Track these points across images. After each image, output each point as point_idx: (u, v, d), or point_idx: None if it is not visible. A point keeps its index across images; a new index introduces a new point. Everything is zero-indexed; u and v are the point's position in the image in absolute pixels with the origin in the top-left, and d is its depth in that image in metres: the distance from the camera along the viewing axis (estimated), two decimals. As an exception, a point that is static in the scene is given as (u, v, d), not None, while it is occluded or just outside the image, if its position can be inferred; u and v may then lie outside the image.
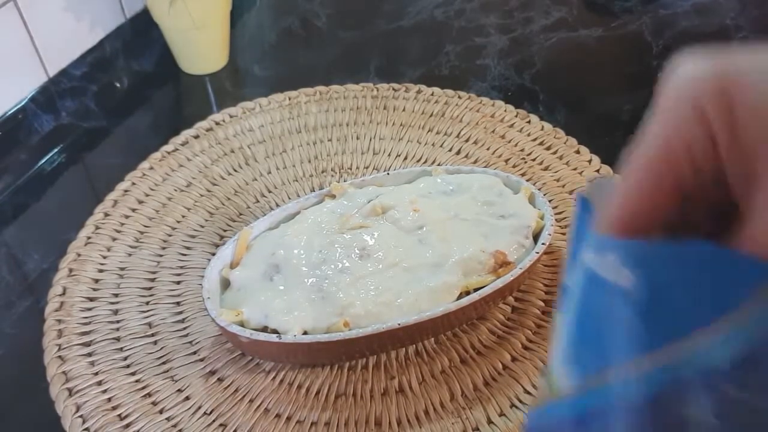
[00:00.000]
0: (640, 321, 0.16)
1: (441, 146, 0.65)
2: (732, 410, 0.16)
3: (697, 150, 0.19)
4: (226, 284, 0.49)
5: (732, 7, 0.85)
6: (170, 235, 0.57)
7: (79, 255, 0.55)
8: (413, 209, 0.50)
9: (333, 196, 0.54)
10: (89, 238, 0.57)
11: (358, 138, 0.66)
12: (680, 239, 0.18)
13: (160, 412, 0.46)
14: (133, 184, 0.62)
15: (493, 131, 0.66)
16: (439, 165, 0.61)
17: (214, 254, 0.53)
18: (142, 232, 0.58)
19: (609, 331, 0.17)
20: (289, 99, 0.70)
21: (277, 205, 0.59)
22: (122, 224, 0.58)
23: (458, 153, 0.64)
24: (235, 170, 0.63)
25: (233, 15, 0.78)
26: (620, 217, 0.21)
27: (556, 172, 0.61)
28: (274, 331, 0.45)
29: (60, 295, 0.53)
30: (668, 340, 0.16)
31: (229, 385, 0.47)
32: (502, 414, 0.45)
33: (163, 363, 0.49)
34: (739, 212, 0.18)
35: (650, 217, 0.21)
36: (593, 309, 0.18)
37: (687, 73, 0.19)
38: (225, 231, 0.58)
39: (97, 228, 0.58)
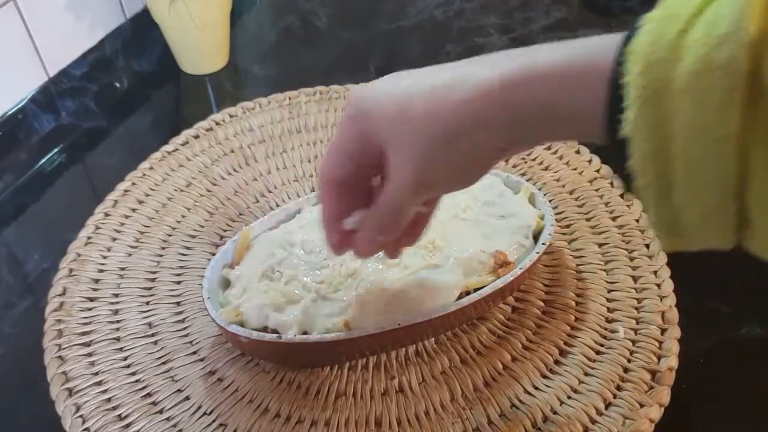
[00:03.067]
0: None
1: (441, 146, 0.65)
2: None
3: (353, 150, 0.35)
4: (226, 284, 0.49)
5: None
6: (170, 235, 0.57)
7: (79, 255, 0.55)
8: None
9: (333, 196, 0.54)
10: (89, 238, 0.57)
11: (358, 138, 0.66)
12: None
13: (160, 412, 0.46)
14: (133, 184, 0.62)
15: (493, 131, 0.66)
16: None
17: (214, 254, 0.53)
18: (142, 232, 0.58)
19: None
20: (289, 99, 0.70)
21: (277, 205, 0.59)
22: (122, 224, 0.58)
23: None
24: (235, 170, 0.63)
25: (233, 15, 0.78)
26: (333, 235, 0.39)
27: (556, 172, 0.61)
28: (274, 331, 0.45)
29: (60, 295, 0.53)
30: None
31: (229, 385, 0.47)
32: (502, 414, 0.45)
33: (163, 363, 0.49)
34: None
35: (342, 214, 0.37)
36: None
37: (347, 105, 0.35)
38: (225, 231, 0.58)
39: (97, 228, 0.58)
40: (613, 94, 0.27)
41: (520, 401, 0.46)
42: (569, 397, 0.45)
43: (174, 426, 0.45)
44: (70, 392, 0.46)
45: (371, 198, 0.37)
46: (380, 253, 0.48)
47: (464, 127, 0.31)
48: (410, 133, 0.32)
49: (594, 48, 0.28)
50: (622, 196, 0.58)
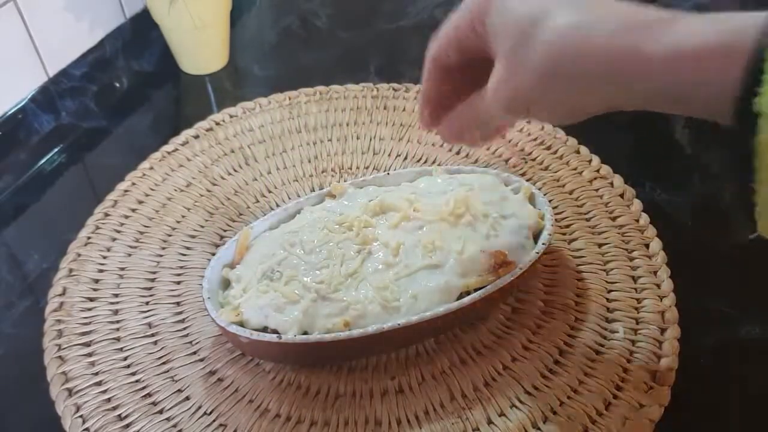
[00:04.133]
0: None
1: (441, 146, 0.65)
2: None
3: (462, 37, 0.35)
4: (226, 284, 0.49)
5: (732, 8, 0.84)
6: (170, 235, 0.57)
7: (79, 255, 0.55)
8: (413, 209, 0.50)
9: (333, 196, 0.54)
10: (89, 238, 0.57)
11: (358, 138, 0.66)
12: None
13: (160, 412, 0.46)
14: (133, 184, 0.62)
15: (493, 131, 0.66)
16: (439, 165, 0.61)
17: (214, 254, 0.53)
18: (142, 232, 0.58)
19: None
20: (289, 99, 0.70)
21: (277, 205, 0.60)
22: (122, 224, 0.58)
23: (458, 153, 0.64)
24: (235, 170, 0.63)
25: (233, 15, 0.78)
26: (426, 110, 0.38)
27: (556, 172, 0.61)
28: (274, 331, 0.45)
29: (60, 295, 0.53)
30: None
31: (229, 385, 0.47)
32: (502, 414, 0.45)
33: (163, 363, 0.49)
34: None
35: (439, 95, 0.38)
36: None
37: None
38: (225, 231, 0.58)
39: (97, 228, 0.58)
40: (751, 71, 0.27)
41: (520, 401, 0.45)
42: (569, 397, 0.45)
43: (174, 426, 0.45)
44: (70, 392, 0.47)
45: (472, 85, 0.37)
46: (379, 252, 0.48)
47: (598, 78, 0.30)
48: (534, 54, 0.31)
49: (736, 27, 0.28)
50: (622, 196, 0.58)
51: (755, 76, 0.27)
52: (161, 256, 0.56)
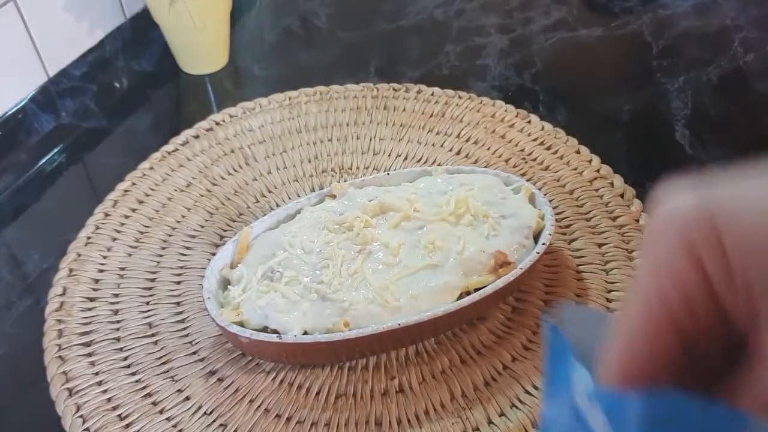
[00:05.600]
0: None
1: (441, 146, 0.65)
2: None
3: (691, 290, 0.18)
4: (226, 284, 0.49)
5: (732, 7, 0.85)
6: (170, 235, 0.57)
7: (79, 255, 0.55)
8: (413, 209, 0.50)
9: (333, 196, 0.54)
10: (89, 238, 0.57)
11: (358, 138, 0.66)
12: (687, 389, 0.17)
13: (160, 412, 0.46)
14: (133, 184, 0.62)
15: (493, 131, 0.66)
16: (439, 165, 0.61)
17: (214, 254, 0.53)
18: (142, 232, 0.58)
19: None
20: (289, 99, 0.70)
21: (277, 205, 0.59)
22: (122, 224, 0.58)
23: (458, 153, 0.64)
24: (235, 170, 0.63)
25: (233, 15, 0.78)
26: (620, 367, 0.20)
27: (556, 172, 0.61)
28: (274, 331, 0.45)
29: (60, 295, 0.53)
30: None
31: (229, 385, 0.47)
32: (502, 414, 0.45)
33: (164, 363, 0.49)
34: (750, 348, 0.17)
35: (652, 364, 0.20)
36: None
37: (673, 210, 0.18)
38: (225, 231, 0.58)
39: (97, 228, 0.58)
40: None
41: (520, 401, 0.46)
42: (569, 397, 0.45)
43: (174, 426, 0.45)
44: (70, 392, 0.47)
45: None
46: (379, 253, 0.48)
47: None
48: None
49: None
50: (622, 196, 0.58)
51: None
52: (161, 256, 0.56)
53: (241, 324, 0.45)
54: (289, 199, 0.61)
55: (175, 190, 0.61)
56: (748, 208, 0.17)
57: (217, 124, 0.68)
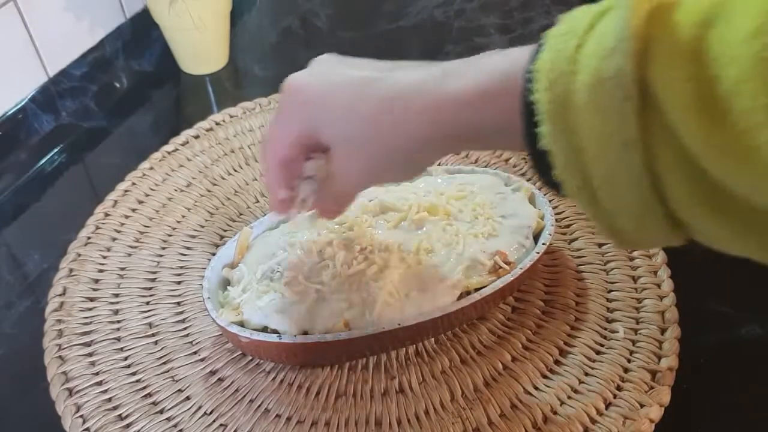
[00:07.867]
0: None
1: (441, 146, 0.64)
2: None
3: (301, 141, 0.38)
4: (226, 284, 0.49)
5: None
6: (170, 235, 0.57)
7: (79, 255, 0.55)
8: (414, 209, 0.50)
9: (333, 196, 0.54)
10: (89, 238, 0.57)
11: (358, 138, 0.66)
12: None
13: (161, 412, 0.46)
14: (133, 184, 0.62)
15: (493, 131, 0.66)
16: (439, 165, 0.61)
17: (214, 254, 0.53)
18: (142, 232, 0.58)
19: None
20: (289, 99, 0.70)
21: (277, 205, 0.59)
22: (122, 224, 0.58)
23: (458, 153, 0.64)
24: (235, 170, 0.63)
25: (233, 15, 0.78)
26: (275, 200, 0.41)
27: (556, 172, 0.61)
28: (274, 331, 0.45)
29: (60, 295, 0.53)
30: None
31: (229, 385, 0.47)
32: (502, 414, 0.45)
33: (164, 363, 0.49)
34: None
35: (287, 183, 0.40)
36: None
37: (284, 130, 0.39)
38: (225, 231, 0.58)
39: (97, 228, 0.58)
40: (527, 110, 0.28)
41: (520, 401, 0.45)
42: (569, 397, 0.45)
43: (174, 426, 0.45)
44: (70, 392, 0.47)
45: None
46: (379, 252, 0.48)
47: (416, 144, 0.34)
48: (359, 136, 0.35)
49: (508, 66, 0.30)
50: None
51: (529, 119, 0.27)
52: (161, 256, 0.56)
53: (241, 324, 0.45)
54: (289, 199, 0.60)
55: (175, 190, 0.61)
56: (325, 84, 0.39)
57: (217, 124, 0.68)
